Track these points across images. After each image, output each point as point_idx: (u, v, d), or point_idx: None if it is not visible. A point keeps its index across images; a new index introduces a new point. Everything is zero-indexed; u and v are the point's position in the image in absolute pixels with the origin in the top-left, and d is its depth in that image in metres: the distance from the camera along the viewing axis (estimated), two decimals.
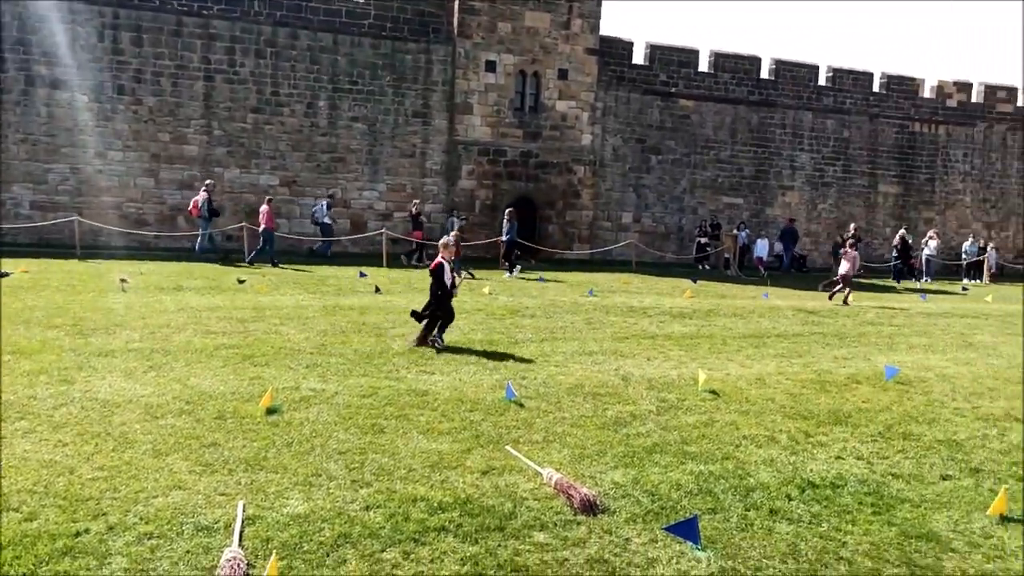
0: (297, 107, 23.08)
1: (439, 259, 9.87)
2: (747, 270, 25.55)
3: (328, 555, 3.98)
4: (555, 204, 25.86)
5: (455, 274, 10.38)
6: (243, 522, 4.25)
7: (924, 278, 26.48)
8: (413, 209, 22.71)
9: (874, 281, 25.00)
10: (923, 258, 27.05)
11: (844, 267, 18.03)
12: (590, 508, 4.66)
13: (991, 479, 5.62)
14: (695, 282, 20.81)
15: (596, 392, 7.81)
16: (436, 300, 9.82)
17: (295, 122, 23.07)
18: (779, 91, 28.75)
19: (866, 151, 30.03)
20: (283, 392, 7.10)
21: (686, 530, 4.33)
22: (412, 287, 16.24)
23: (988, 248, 28.86)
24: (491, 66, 24.74)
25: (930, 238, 27.30)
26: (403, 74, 24.17)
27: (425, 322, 9.87)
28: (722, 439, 6.37)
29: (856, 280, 24.55)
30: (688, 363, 9.52)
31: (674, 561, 4.10)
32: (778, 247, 28.26)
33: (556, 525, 4.48)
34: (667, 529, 4.43)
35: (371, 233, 23.13)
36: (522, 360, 9.25)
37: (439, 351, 9.43)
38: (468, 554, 4.05)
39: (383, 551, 4.05)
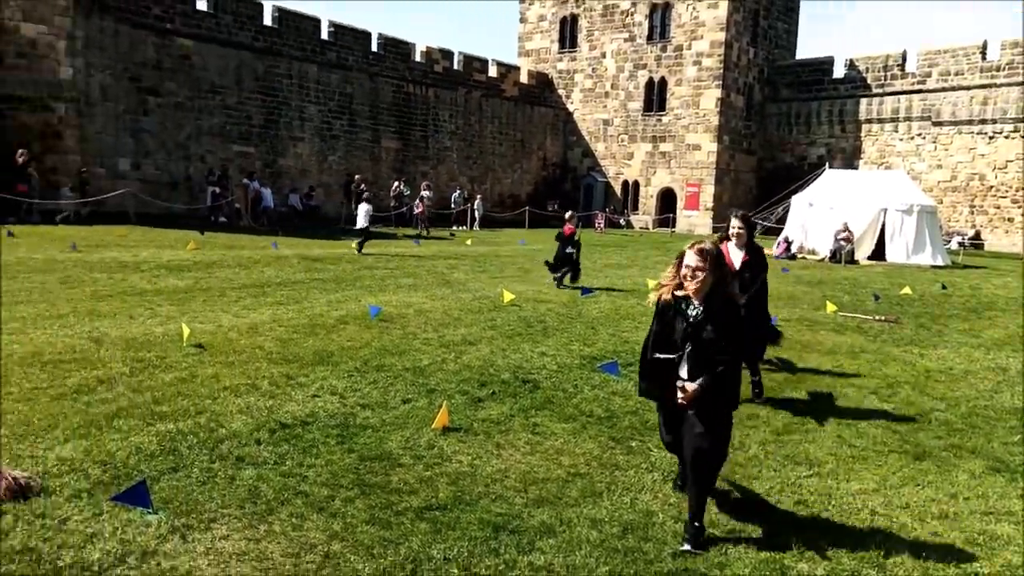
0: None
1: None
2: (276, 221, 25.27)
3: None
4: (30, 147, 21.98)
5: None
6: None
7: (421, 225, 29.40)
8: (22, 159, 20.12)
9: (381, 229, 26.91)
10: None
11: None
12: (20, 493, 4.03)
13: (441, 397, 6.44)
14: (203, 234, 19.83)
15: (58, 360, 6.85)
16: None
17: None
18: (284, 40, 28.66)
19: (368, 107, 31.89)
20: None
21: (135, 496, 4.02)
22: None
23: (476, 198, 33.15)
24: None
25: (424, 188, 30.37)
26: None
27: None
28: (199, 393, 6.12)
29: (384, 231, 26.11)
30: (178, 318, 8.96)
31: (119, 532, 3.77)
32: (293, 198, 28.49)
33: None
34: (114, 499, 4.06)
35: None
36: None
37: None
38: None
39: None
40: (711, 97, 36.31)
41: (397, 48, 32.87)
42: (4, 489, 4.02)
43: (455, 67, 35.65)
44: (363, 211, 18.39)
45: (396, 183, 30.89)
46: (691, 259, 4.16)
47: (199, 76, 26.31)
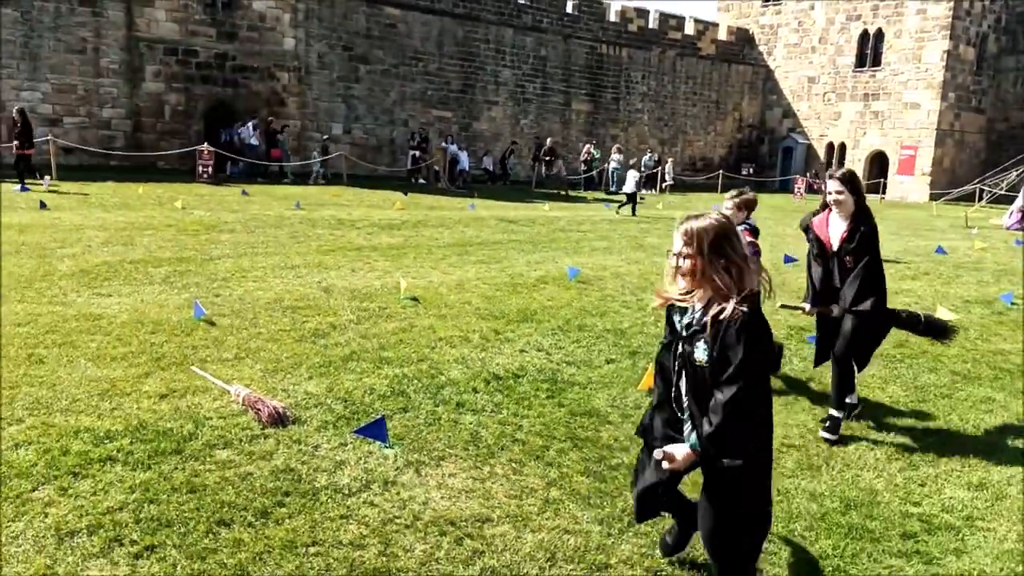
0: None
1: None
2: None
3: None
4: (258, 113, 24.27)
5: None
6: None
7: (611, 188, 29.31)
8: (272, 124, 23.36)
9: (568, 192, 27.14)
10: (609, 170, 29.86)
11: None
12: (279, 420, 4.57)
13: (645, 359, 6.47)
14: (406, 195, 20.99)
15: (296, 306, 7.61)
16: None
17: None
18: (482, 6, 29.30)
19: (561, 70, 31.99)
20: None
21: (374, 431, 4.43)
22: (88, 203, 14.42)
23: (667, 162, 32.51)
24: None
25: (615, 151, 30.15)
26: None
27: None
28: (419, 342, 6.58)
29: (551, 191, 26.47)
30: (393, 273, 9.63)
31: (362, 461, 4.19)
32: (486, 161, 29.38)
33: (241, 441, 4.34)
34: (356, 432, 4.50)
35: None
36: (216, 277, 8.69)
37: None
38: (138, 481, 3.77)
39: (33, 491, 3.62)
40: (936, 50, 32.85)
41: (591, 8, 32.59)
42: (267, 416, 4.57)
43: (650, 26, 34.79)
44: (631, 177, 20.52)
45: (586, 146, 30.90)
46: (675, 242, 2.79)
47: (404, 44, 27.62)
